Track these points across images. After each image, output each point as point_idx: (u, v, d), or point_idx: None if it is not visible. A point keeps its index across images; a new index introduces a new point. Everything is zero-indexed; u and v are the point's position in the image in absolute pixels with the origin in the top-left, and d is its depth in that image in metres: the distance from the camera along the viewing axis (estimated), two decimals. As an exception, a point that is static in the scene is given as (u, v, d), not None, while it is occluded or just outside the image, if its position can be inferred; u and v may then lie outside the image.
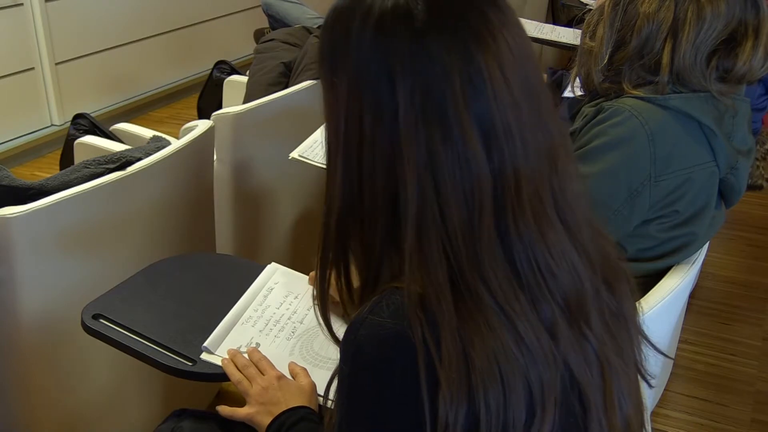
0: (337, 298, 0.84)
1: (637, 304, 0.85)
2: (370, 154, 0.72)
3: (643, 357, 0.86)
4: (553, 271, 0.72)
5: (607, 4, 1.32)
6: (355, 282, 0.81)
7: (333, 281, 0.81)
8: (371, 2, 0.72)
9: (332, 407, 0.79)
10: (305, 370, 1.12)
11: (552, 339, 0.71)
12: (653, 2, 1.25)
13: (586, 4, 2.64)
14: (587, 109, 1.31)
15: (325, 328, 0.84)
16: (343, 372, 0.72)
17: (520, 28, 0.75)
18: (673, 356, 2.03)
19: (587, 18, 1.36)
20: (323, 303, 0.83)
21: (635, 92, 1.26)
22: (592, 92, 1.34)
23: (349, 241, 0.78)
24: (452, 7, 0.71)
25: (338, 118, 0.74)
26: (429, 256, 0.69)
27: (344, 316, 0.83)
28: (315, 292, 0.83)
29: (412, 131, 0.69)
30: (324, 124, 0.78)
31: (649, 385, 0.87)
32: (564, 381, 0.72)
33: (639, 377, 0.85)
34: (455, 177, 0.69)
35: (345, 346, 0.72)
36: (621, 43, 1.28)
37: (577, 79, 1.39)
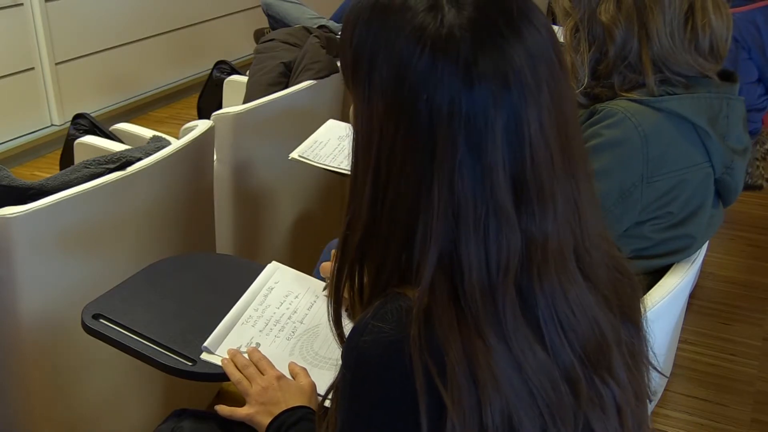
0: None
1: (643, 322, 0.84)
2: (396, 182, 0.70)
3: (649, 376, 0.85)
4: (575, 327, 0.71)
5: (566, 33, 1.33)
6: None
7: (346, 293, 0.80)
8: (423, 23, 0.67)
9: (330, 410, 0.79)
10: (305, 370, 1.12)
11: (572, 395, 0.70)
12: (610, 7, 1.27)
13: None
14: (581, 111, 1.32)
15: (337, 339, 0.84)
16: (345, 378, 0.72)
17: (565, 74, 0.72)
18: (674, 354, 2.03)
19: None
20: (337, 313, 0.82)
21: (628, 95, 1.27)
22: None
23: (367, 255, 0.76)
24: (504, 51, 0.67)
25: (371, 134, 0.71)
26: (441, 296, 0.67)
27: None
28: (329, 304, 0.82)
29: (445, 175, 0.66)
30: (349, 130, 0.75)
31: (650, 400, 0.87)
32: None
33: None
34: (483, 233, 0.67)
35: (347, 351, 0.72)
36: (600, 56, 1.30)
37: None
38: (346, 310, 0.84)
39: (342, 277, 0.79)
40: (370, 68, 0.71)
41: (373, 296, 0.76)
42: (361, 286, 0.80)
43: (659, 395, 1.97)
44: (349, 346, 0.72)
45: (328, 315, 0.83)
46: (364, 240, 0.75)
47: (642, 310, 0.83)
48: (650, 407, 1.71)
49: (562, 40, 1.37)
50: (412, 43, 0.68)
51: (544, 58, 0.69)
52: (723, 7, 1.29)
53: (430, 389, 0.66)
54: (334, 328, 0.83)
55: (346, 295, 0.81)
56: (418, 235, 0.69)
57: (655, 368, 0.87)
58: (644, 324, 0.84)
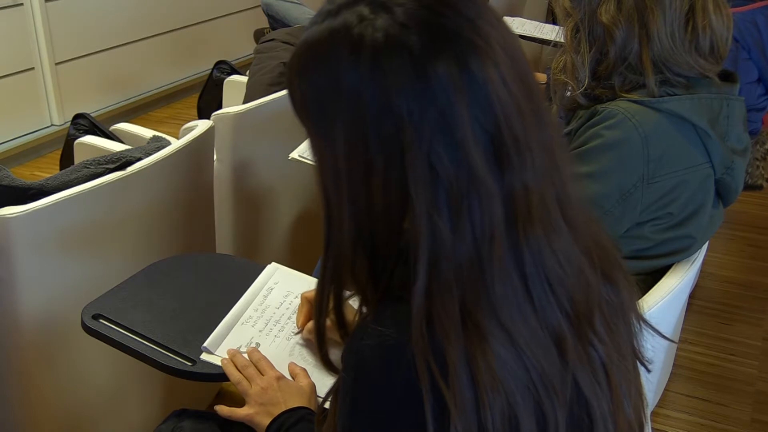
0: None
1: (633, 287, 0.84)
2: (382, 195, 0.69)
3: (640, 342, 0.85)
4: (563, 280, 0.71)
5: (566, 34, 1.33)
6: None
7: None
8: (357, 36, 0.67)
9: (329, 413, 0.79)
10: (305, 370, 1.12)
11: (560, 358, 0.70)
12: (610, 7, 1.26)
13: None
14: (582, 111, 1.32)
15: (321, 360, 0.84)
16: (346, 381, 0.72)
17: (506, 25, 0.73)
18: (674, 353, 2.03)
19: (555, 58, 1.37)
20: (321, 338, 0.82)
21: (629, 96, 1.27)
22: (575, 111, 1.36)
23: (354, 276, 0.76)
24: (444, 27, 0.68)
25: (338, 165, 0.70)
26: (438, 290, 0.67)
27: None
28: (313, 330, 0.82)
29: (418, 168, 0.66)
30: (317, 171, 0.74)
31: (647, 370, 0.87)
32: (572, 396, 0.71)
33: (639, 365, 0.85)
34: (465, 207, 0.66)
35: (348, 355, 0.72)
36: (600, 57, 1.29)
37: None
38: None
39: (323, 308, 0.78)
40: (319, 105, 0.70)
41: (369, 301, 0.76)
42: (343, 313, 0.79)
43: (659, 395, 1.97)
44: (350, 349, 0.71)
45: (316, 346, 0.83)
46: (353, 262, 0.74)
47: (622, 275, 0.82)
48: (651, 406, 1.70)
49: (562, 40, 1.37)
50: (354, 61, 0.67)
51: (484, 18, 0.69)
52: (723, 7, 1.29)
53: (434, 390, 0.66)
54: (318, 350, 0.83)
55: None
56: (412, 242, 0.68)
57: (651, 327, 0.86)
58: (626, 284, 0.82)
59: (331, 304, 0.78)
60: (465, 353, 0.66)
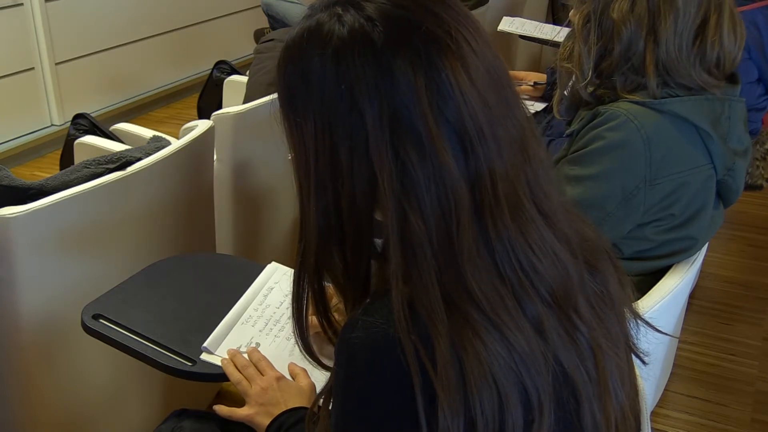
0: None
1: (624, 279, 0.84)
2: (349, 184, 0.71)
3: (634, 334, 0.85)
4: (536, 267, 0.71)
5: (577, 22, 1.33)
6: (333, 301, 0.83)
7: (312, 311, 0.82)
8: (326, 33, 0.71)
9: (322, 411, 0.79)
10: (305, 371, 1.12)
11: (540, 338, 0.70)
12: (624, 6, 1.26)
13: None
14: (583, 112, 1.32)
15: (308, 357, 0.85)
16: (338, 374, 0.72)
17: (473, 19, 0.74)
18: (674, 353, 2.03)
19: (562, 43, 1.37)
20: (303, 335, 0.83)
21: (630, 96, 1.27)
22: (577, 105, 1.35)
23: (327, 269, 0.78)
24: (408, 19, 0.70)
25: (307, 157, 0.74)
26: (417, 275, 0.68)
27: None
28: (294, 327, 0.84)
29: (384, 156, 0.68)
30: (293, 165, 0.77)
31: (643, 363, 0.87)
32: (557, 377, 0.71)
33: (633, 357, 0.85)
34: (432, 194, 0.68)
35: (339, 348, 0.72)
36: (605, 53, 1.29)
37: (560, 102, 1.40)
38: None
39: (303, 304, 0.81)
40: (292, 99, 0.74)
41: (358, 298, 0.77)
42: (327, 308, 0.82)
43: (659, 395, 1.97)
44: (341, 342, 0.72)
45: (301, 350, 0.86)
46: (321, 253, 0.77)
47: (611, 266, 0.82)
48: (651, 406, 1.70)
49: (562, 40, 1.37)
50: (320, 56, 0.70)
51: (449, 12, 0.71)
52: (739, 26, 1.29)
53: (423, 374, 0.66)
54: (308, 357, 0.85)
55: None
56: (383, 227, 0.70)
57: (643, 320, 0.86)
58: (615, 275, 0.82)
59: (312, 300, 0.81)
60: (449, 336, 0.67)
